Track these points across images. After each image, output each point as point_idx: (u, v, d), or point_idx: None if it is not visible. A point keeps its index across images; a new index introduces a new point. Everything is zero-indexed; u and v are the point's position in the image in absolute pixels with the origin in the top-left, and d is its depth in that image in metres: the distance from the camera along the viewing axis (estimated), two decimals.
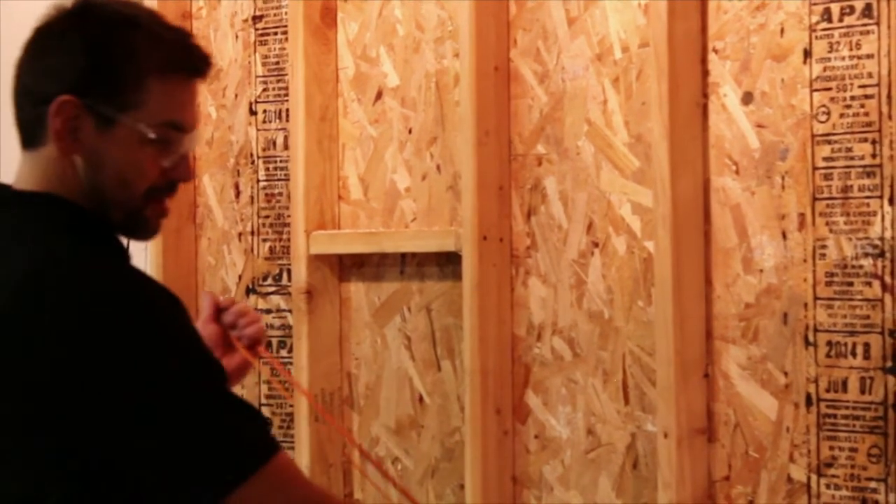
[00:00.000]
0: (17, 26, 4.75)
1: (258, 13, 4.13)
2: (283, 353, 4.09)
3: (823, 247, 3.19)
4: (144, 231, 2.45)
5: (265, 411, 4.11)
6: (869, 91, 3.11)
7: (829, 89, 3.17)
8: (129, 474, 2.24)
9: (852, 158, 3.14)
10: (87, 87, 2.39)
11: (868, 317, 3.13)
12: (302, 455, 3.94)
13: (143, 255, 4.23)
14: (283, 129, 4.08)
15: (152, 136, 2.37)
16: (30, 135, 2.41)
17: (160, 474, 2.26)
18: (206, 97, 4.23)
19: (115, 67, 2.41)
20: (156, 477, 2.25)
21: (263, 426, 2.36)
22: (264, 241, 4.13)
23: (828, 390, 3.19)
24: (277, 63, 4.09)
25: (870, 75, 3.11)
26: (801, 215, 3.21)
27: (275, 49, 4.10)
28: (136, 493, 2.25)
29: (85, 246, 2.35)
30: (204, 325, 2.79)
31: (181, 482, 2.27)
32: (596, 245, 3.52)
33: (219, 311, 2.84)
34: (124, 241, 2.45)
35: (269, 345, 4.07)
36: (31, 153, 2.41)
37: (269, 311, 4.11)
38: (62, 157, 2.38)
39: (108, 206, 2.39)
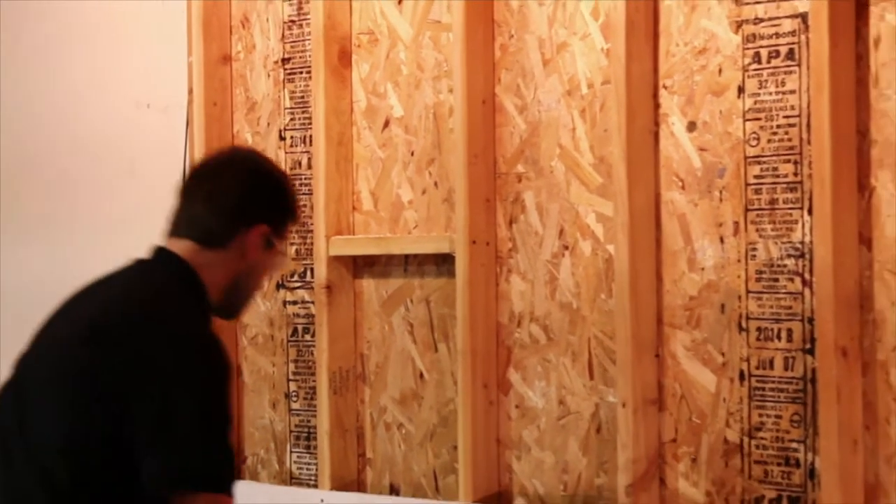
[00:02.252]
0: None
1: (286, 56, 4.10)
2: (307, 337, 4.06)
3: (754, 249, 3.21)
4: (233, 315, 2.91)
5: (292, 386, 4.11)
6: (792, 121, 3.14)
7: (759, 119, 3.19)
8: (138, 428, 2.49)
9: (778, 176, 3.16)
10: (276, 222, 2.76)
11: (791, 307, 3.15)
12: (322, 422, 3.93)
13: None
14: (307, 152, 4.05)
15: (283, 258, 2.84)
16: (213, 235, 2.71)
17: (151, 444, 2.48)
18: (244, 125, 4.21)
19: (290, 212, 2.82)
20: (148, 443, 2.48)
21: (232, 473, 2.56)
22: (291, 244, 4.06)
23: (757, 367, 3.21)
24: (302, 97, 4.06)
25: (792, 108, 3.13)
26: (736, 223, 3.23)
27: (300, 86, 4.07)
28: (128, 448, 2.49)
29: (197, 307, 2.70)
30: None
31: (159, 464, 2.48)
32: (566, 248, 3.52)
33: None
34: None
35: (296, 330, 4.11)
36: (196, 241, 2.71)
37: (295, 303, 4.09)
38: (228, 260, 2.72)
39: (230, 294, 2.78)
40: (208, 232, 2.71)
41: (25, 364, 2.75)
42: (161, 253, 2.75)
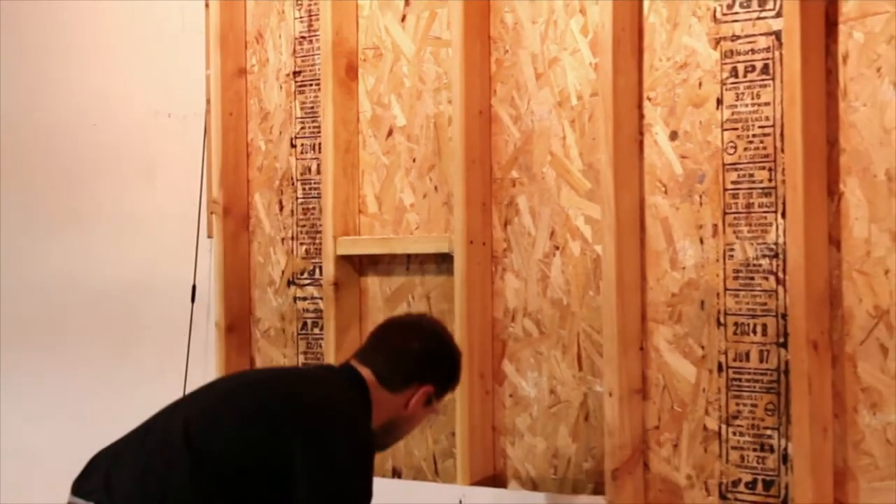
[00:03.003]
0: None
1: (297, 69, 4.09)
2: (316, 330, 4.04)
3: (731, 250, 3.21)
4: (380, 449, 3.09)
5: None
6: (766, 131, 3.14)
7: (736, 129, 3.19)
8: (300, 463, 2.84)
9: (753, 182, 3.17)
10: (441, 386, 3.13)
11: (766, 304, 3.15)
12: None
13: (208, 255, 4.28)
14: (316, 158, 4.04)
15: (435, 415, 3.20)
16: (390, 379, 3.05)
17: (309, 476, 2.83)
18: (258, 133, 4.20)
19: (454, 381, 3.19)
20: (306, 475, 2.82)
21: None
22: (301, 244, 4.09)
23: (735, 360, 3.21)
24: (312, 108, 4.05)
25: (767, 118, 3.14)
26: (715, 225, 3.23)
27: (310, 97, 4.06)
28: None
29: (367, 412, 3.01)
30: None
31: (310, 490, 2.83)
32: (557, 248, 3.52)
33: None
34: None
35: (305, 324, 4.10)
36: (375, 375, 3.05)
37: (304, 299, 4.08)
38: (395, 403, 3.06)
39: (384, 431, 3.06)
40: (388, 376, 3.05)
41: (207, 393, 3.12)
42: (353, 370, 3.06)
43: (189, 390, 4.32)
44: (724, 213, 3.22)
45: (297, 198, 4.12)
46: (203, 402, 3.01)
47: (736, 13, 3.19)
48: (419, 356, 3.09)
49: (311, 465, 2.83)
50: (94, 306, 4.75)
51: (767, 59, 3.14)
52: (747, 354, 3.20)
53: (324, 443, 2.84)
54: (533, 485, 3.58)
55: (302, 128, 4.10)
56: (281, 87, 4.15)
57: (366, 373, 3.04)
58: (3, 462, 5.09)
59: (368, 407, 3.00)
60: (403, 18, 3.83)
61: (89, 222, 4.77)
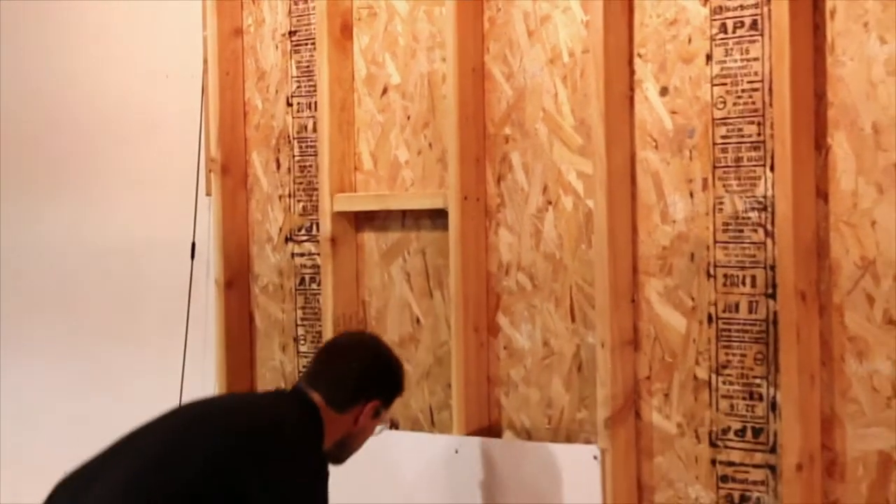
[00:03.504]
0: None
1: (293, 29, 4.09)
2: (314, 286, 4.06)
3: (721, 203, 3.20)
4: (336, 463, 3.14)
5: (300, 330, 4.11)
6: (755, 86, 3.13)
7: (726, 84, 3.18)
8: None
9: (742, 137, 3.16)
10: (385, 398, 3.20)
11: (754, 256, 3.15)
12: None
13: (207, 213, 4.28)
14: (312, 116, 4.04)
15: (384, 424, 3.24)
16: (338, 400, 3.10)
17: None
18: (254, 93, 4.20)
19: (399, 390, 3.26)
20: None
21: None
22: (298, 201, 4.10)
23: (724, 311, 3.21)
24: (308, 67, 4.04)
25: (756, 74, 3.13)
26: (705, 179, 3.23)
27: (306, 56, 4.05)
28: None
29: (319, 440, 3.07)
30: None
31: None
32: (550, 203, 3.51)
33: None
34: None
35: (303, 279, 4.10)
36: (324, 398, 3.10)
37: (302, 255, 4.09)
38: (345, 422, 3.11)
39: (338, 447, 3.13)
40: (335, 397, 3.11)
41: (161, 426, 3.09)
42: (304, 395, 3.12)
43: (189, 344, 4.36)
44: (714, 168, 3.22)
45: (293, 156, 4.12)
46: (144, 459, 2.98)
47: None
48: (362, 375, 3.18)
49: (269, 495, 2.90)
50: (97, 264, 4.78)
51: (756, 14, 3.13)
52: (737, 305, 3.20)
53: (280, 472, 2.91)
54: (527, 434, 3.59)
55: (298, 87, 4.10)
56: (277, 47, 4.15)
57: (315, 397, 3.12)
58: (5, 419, 5.12)
59: (321, 430, 3.08)
60: None
61: (90, 182, 4.79)
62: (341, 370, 3.17)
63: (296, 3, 4.08)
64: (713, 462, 3.24)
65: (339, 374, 3.15)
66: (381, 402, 3.19)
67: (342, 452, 3.17)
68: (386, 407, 3.23)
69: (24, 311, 5.07)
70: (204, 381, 4.34)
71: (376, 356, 3.25)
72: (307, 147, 4.07)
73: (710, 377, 3.24)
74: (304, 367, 4.08)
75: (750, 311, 3.17)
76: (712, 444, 3.24)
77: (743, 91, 3.16)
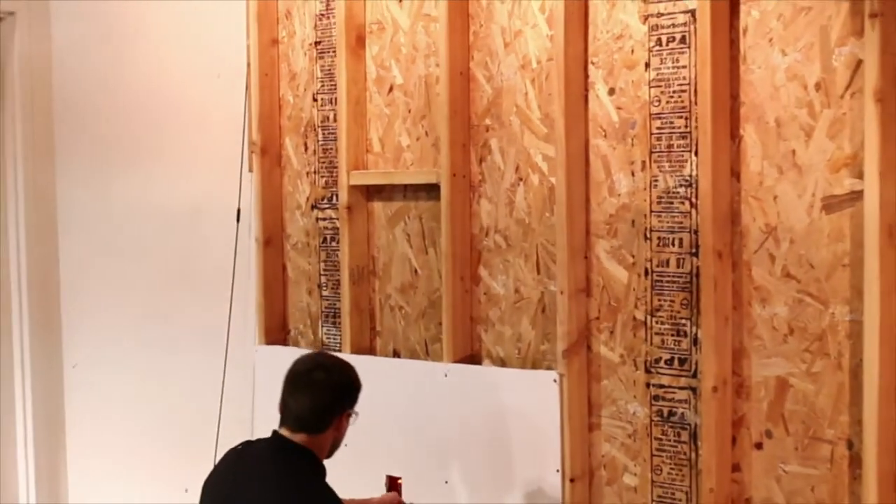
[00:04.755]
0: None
1: (318, 40, 4.07)
2: (333, 244, 4.04)
3: (656, 181, 3.21)
4: (330, 456, 3.06)
5: (322, 279, 4.09)
6: (683, 88, 3.14)
7: (660, 86, 3.19)
8: None
9: (673, 128, 3.17)
10: (352, 403, 3.05)
11: (682, 222, 3.17)
12: (344, 304, 3.94)
13: (249, 186, 4.28)
14: (333, 109, 4.03)
15: (356, 417, 3.08)
16: (319, 428, 2.98)
17: None
18: (287, 90, 4.18)
19: (358, 392, 3.08)
20: None
21: None
22: (322, 177, 4.09)
23: (657, 266, 3.23)
24: (329, 70, 4.04)
25: (684, 78, 3.14)
26: (643, 162, 3.24)
27: (328, 62, 4.04)
28: None
29: (322, 481, 2.97)
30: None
31: None
32: (521, 179, 3.52)
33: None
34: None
35: (325, 239, 4.11)
36: (308, 433, 2.98)
37: (325, 219, 4.08)
38: (328, 437, 3.00)
39: (330, 452, 3.05)
40: (316, 428, 2.98)
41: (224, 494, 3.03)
42: (296, 447, 2.97)
43: (235, 288, 4.37)
44: (651, 152, 3.22)
45: (318, 140, 4.11)
46: None
47: None
48: (330, 403, 3.01)
49: None
50: (163, 226, 4.77)
51: (685, 31, 3.13)
52: (667, 261, 3.21)
53: None
54: (502, 362, 3.60)
55: (322, 86, 4.09)
56: (305, 54, 4.14)
57: (301, 438, 2.98)
58: (78, 362, 5.12)
59: (318, 462, 3.00)
60: (401, 0, 3.80)
61: (158, 159, 4.78)
62: (311, 406, 2.98)
63: (320, 19, 4.07)
64: (647, 385, 3.26)
65: (310, 410, 2.97)
66: (350, 409, 3.06)
67: (332, 452, 3.07)
68: (354, 406, 3.08)
69: (107, 261, 5.06)
70: (245, 318, 4.36)
71: (333, 382, 3.03)
72: (329, 134, 4.06)
73: (645, 318, 3.26)
74: (325, 308, 4.12)
75: (678, 266, 3.19)
76: (647, 371, 3.26)
77: (674, 92, 3.16)
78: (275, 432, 3.01)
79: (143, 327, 4.85)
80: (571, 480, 3.35)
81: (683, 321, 3.18)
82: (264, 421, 4.08)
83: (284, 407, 3.02)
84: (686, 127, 3.14)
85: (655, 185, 3.21)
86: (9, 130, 5.07)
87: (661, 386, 3.23)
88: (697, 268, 3.13)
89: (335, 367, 3.06)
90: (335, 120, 4.02)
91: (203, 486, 3.07)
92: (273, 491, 2.90)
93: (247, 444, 3.12)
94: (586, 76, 3.33)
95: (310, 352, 3.17)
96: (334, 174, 4.03)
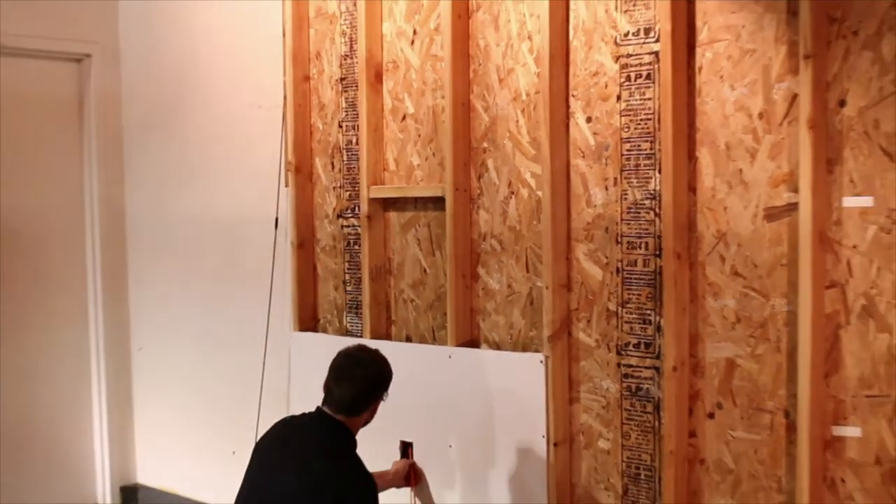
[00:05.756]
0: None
1: (343, 76, 4.06)
2: (356, 247, 4.04)
3: (626, 194, 3.21)
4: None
5: (347, 276, 4.08)
6: (649, 116, 3.14)
7: (629, 115, 3.18)
8: None
9: (640, 150, 3.16)
10: (385, 391, 3.07)
11: (648, 229, 3.16)
12: (365, 298, 3.93)
13: (286, 198, 4.26)
14: (355, 135, 4.02)
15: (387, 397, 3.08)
16: (357, 412, 3.00)
17: None
18: (317, 118, 4.17)
19: (390, 382, 3.08)
20: None
21: None
22: (346, 191, 4.08)
23: (627, 265, 3.22)
24: (352, 102, 4.03)
25: (649, 109, 3.13)
26: (615, 178, 3.23)
27: (351, 94, 4.04)
28: None
29: (356, 454, 2.96)
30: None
31: None
32: (513, 193, 3.51)
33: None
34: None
35: (349, 243, 4.10)
36: (346, 416, 2.99)
37: (349, 226, 4.07)
38: (363, 418, 3.03)
39: (359, 428, 3.04)
40: (354, 411, 3.00)
41: (270, 468, 2.97)
42: (337, 424, 2.98)
43: (273, 284, 4.38)
44: (622, 170, 3.22)
45: (343, 160, 4.11)
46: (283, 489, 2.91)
47: (630, 40, 3.18)
48: (366, 393, 3.02)
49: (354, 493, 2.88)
50: (214, 231, 4.79)
51: (650, 69, 3.13)
52: (635, 262, 3.21)
53: (356, 489, 2.88)
54: (496, 346, 3.60)
55: (346, 115, 4.08)
56: (332, 88, 4.13)
57: (340, 417, 2.99)
58: (143, 346, 5.13)
59: (353, 438, 3.01)
60: (412, 43, 3.80)
61: (211, 176, 4.79)
62: (351, 396, 2.99)
63: (345, 59, 4.06)
64: (618, 365, 3.26)
65: (350, 400, 2.99)
66: (382, 396, 3.08)
67: (363, 426, 3.09)
68: (386, 393, 3.09)
69: (166, 261, 5.08)
70: (283, 309, 4.35)
71: (370, 377, 3.04)
72: (352, 155, 4.06)
73: (617, 309, 3.25)
74: (349, 300, 4.13)
75: (644, 266, 3.18)
76: (618, 353, 3.26)
77: (641, 120, 3.16)
78: (318, 409, 3.03)
79: (197, 316, 4.87)
80: (555, 444, 3.36)
81: (648, 312, 3.17)
82: (298, 395, 4.11)
83: (328, 390, 3.03)
84: (651, 149, 3.14)
85: (625, 198, 3.21)
86: (86, 151, 5.10)
87: (630, 366, 3.23)
88: (660, 267, 3.13)
89: (373, 363, 3.06)
90: (357, 143, 4.02)
91: (255, 446, 3.07)
92: (315, 455, 2.92)
93: (292, 417, 3.14)
94: (568, 107, 3.33)
95: (352, 345, 3.13)
96: (356, 189, 4.03)
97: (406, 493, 3.68)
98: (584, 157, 3.31)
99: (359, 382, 3.00)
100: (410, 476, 3.65)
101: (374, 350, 3.12)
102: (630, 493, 3.24)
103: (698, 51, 3.02)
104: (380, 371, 3.06)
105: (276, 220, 4.37)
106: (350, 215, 4.08)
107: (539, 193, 3.42)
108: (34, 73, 4.92)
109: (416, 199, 3.82)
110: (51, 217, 5.03)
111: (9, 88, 4.85)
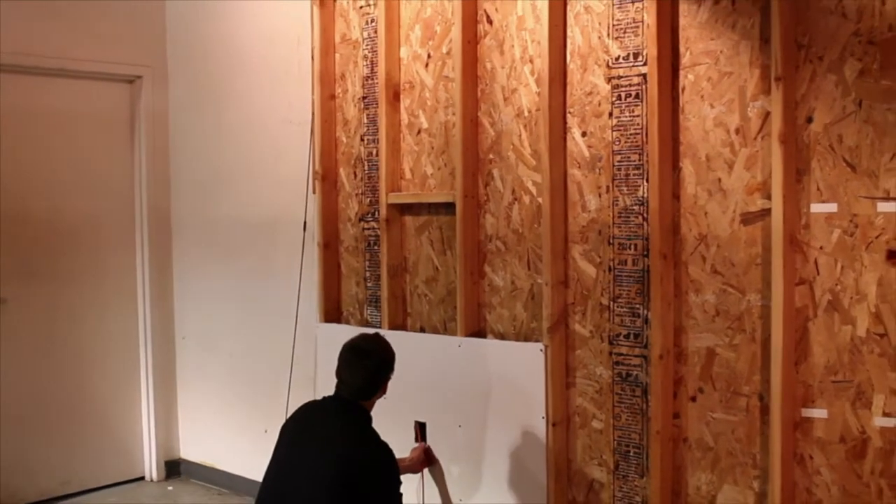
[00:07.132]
0: None
1: (364, 95, 4.06)
2: (376, 247, 4.02)
3: (617, 200, 3.21)
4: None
5: (367, 273, 4.07)
6: (638, 131, 3.14)
7: (620, 130, 3.18)
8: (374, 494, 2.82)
9: (630, 161, 3.16)
10: (391, 371, 3.03)
11: (637, 232, 3.16)
12: (384, 293, 3.91)
13: (313, 203, 4.26)
14: (375, 147, 4.01)
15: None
16: (369, 395, 2.98)
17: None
18: (342, 133, 4.15)
19: (394, 363, 3.05)
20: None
21: None
22: (366, 197, 4.07)
23: (618, 264, 3.22)
24: (373, 118, 4.02)
25: (638, 124, 3.13)
26: (608, 186, 3.23)
27: (372, 111, 4.03)
28: None
29: (372, 428, 2.96)
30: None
31: None
32: (516, 199, 3.51)
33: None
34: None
35: (369, 243, 4.07)
36: (361, 399, 2.98)
37: (369, 229, 4.06)
38: (377, 397, 3.00)
39: (374, 404, 3.01)
40: (368, 395, 2.98)
41: (296, 450, 2.94)
42: (356, 407, 2.97)
43: (302, 282, 4.38)
44: (613, 179, 3.22)
45: (364, 170, 4.10)
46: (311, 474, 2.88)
47: (620, 63, 3.18)
48: (375, 378, 2.99)
49: (381, 482, 2.87)
50: (249, 232, 4.79)
51: (639, 89, 3.14)
52: (626, 261, 3.21)
53: (381, 470, 2.87)
54: (501, 336, 3.59)
55: (367, 129, 4.08)
56: (355, 106, 4.13)
57: (359, 402, 2.99)
58: (186, 335, 5.15)
59: (370, 416, 3.00)
60: (427, 65, 3.80)
61: (247, 183, 4.80)
62: (362, 383, 2.97)
63: (366, 80, 4.05)
64: (610, 353, 3.25)
65: (361, 386, 2.97)
66: (389, 375, 3.05)
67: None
68: (392, 372, 3.06)
69: (207, 259, 5.09)
70: (310, 303, 4.34)
71: (376, 364, 3.00)
72: (372, 165, 4.05)
73: (609, 303, 3.25)
74: (369, 295, 4.13)
75: (633, 265, 3.18)
76: (610, 343, 3.26)
77: (630, 134, 3.16)
78: (337, 393, 3.03)
79: (234, 309, 4.89)
80: (553, 425, 3.36)
81: (637, 306, 3.17)
82: (324, 379, 4.12)
83: (341, 378, 3.03)
84: (639, 161, 3.14)
85: (616, 204, 3.21)
86: (137, 162, 5.13)
87: (621, 354, 3.23)
88: (648, 266, 3.13)
89: (375, 352, 3.03)
90: (377, 155, 4.01)
91: (281, 428, 3.09)
92: (336, 433, 2.94)
93: (314, 401, 3.15)
94: (565, 122, 3.33)
95: (356, 335, 3.08)
96: (376, 195, 4.02)
97: (417, 477, 3.68)
98: (579, 167, 3.31)
99: (368, 371, 2.98)
100: (426, 459, 3.65)
101: (373, 337, 3.08)
102: (620, 468, 3.24)
103: (681, 73, 3.03)
104: (382, 357, 3.03)
105: (305, 223, 4.37)
106: (370, 219, 4.08)
107: (539, 200, 3.42)
108: (93, 93, 4.96)
109: (429, 205, 3.82)
110: (105, 220, 5.06)
111: (70, 107, 4.89)
